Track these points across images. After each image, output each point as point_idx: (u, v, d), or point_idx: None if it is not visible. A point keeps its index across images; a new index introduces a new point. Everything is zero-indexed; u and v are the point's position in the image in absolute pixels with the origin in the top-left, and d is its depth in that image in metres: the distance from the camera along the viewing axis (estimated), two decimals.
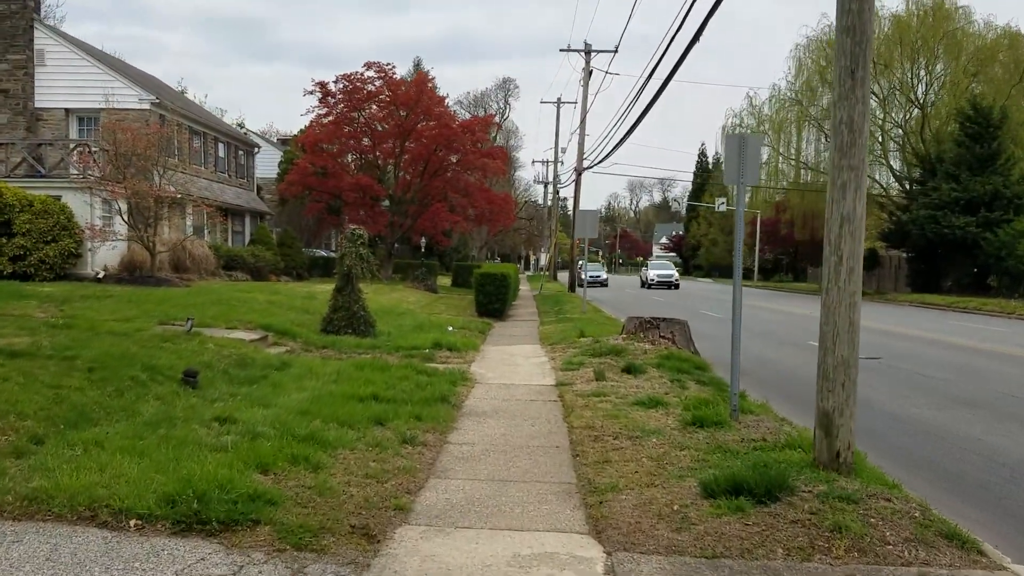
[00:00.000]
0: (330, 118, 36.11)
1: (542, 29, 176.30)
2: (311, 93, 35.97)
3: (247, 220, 37.69)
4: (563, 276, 68.55)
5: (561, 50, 41.15)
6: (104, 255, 25.10)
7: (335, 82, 35.59)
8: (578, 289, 40.41)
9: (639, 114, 35.25)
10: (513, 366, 13.48)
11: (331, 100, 35.91)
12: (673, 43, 20.93)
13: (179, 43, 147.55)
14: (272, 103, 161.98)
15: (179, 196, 26.49)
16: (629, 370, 12.34)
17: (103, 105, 27.64)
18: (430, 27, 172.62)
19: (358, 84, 35.37)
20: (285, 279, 32.63)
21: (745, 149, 8.81)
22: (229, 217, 35.41)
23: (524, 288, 46.02)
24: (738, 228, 8.95)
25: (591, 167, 38.75)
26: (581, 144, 41.16)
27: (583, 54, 42.48)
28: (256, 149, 41.28)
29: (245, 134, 43.82)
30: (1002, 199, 40.41)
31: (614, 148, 42.28)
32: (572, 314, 24.64)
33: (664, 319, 14.71)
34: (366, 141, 37.10)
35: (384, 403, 9.20)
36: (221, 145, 36.48)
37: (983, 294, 40.88)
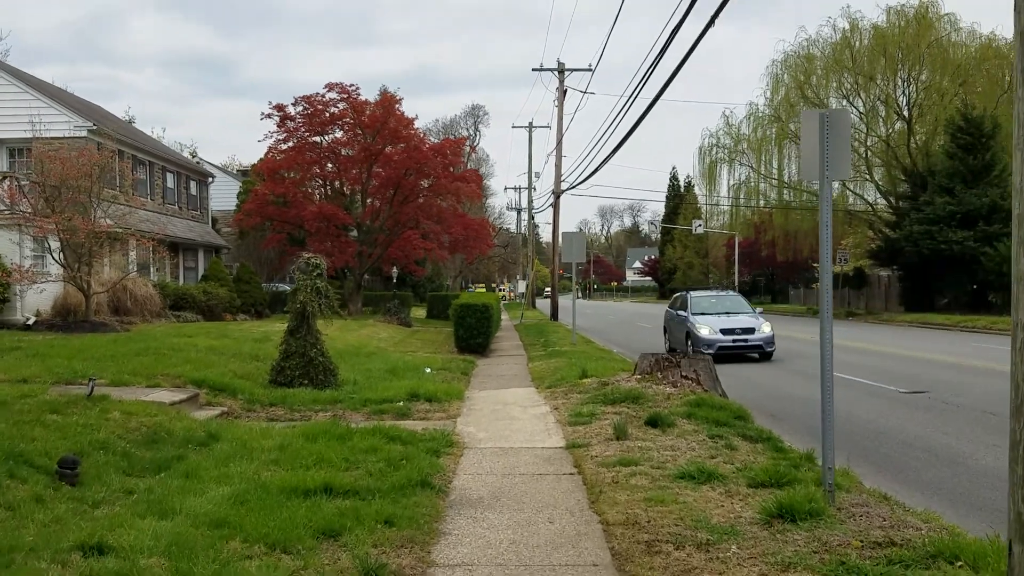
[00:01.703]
0: (290, 143, 33.48)
1: (512, 60, 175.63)
2: (268, 117, 33.38)
3: (200, 255, 34.81)
4: (541, 304, 66.06)
5: (534, 69, 39.00)
6: (35, 299, 22.26)
7: (294, 104, 33.04)
8: (560, 317, 37.90)
9: (624, 134, 33.15)
10: (508, 420, 10.86)
11: (290, 124, 33.30)
12: (651, 55, 18.70)
13: (145, 83, 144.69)
14: (238, 138, 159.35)
15: (118, 230, 23.68)
16: (655, 423, 9.81)
17: (30, 133, 24.83)
18: (398, 62, 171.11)
19: (319, 107, 32.81)
20: (242, 317, 29.77)
21: (833, 130, 6.36)
22: (180, 252, 32.55)
23: (503, 317, 43.46)
24: (823, 238, 6.45)
25: (570, 189, 36.46)
26: (558, 165, 38.89)
27: (556, 73, 40.39)
28: (210, 179, 38.49)
29: (198, 163, 41.01)
30: (1000, 211, 38.57)
31: (598, 167, 40.03)
32: (562, 346, 22.08)
33: (685, 355, 12.22)
34: (330, 167, 34.47)
35: (340, 497, 6.55)
36: (170, 175, 33.69)
37: (984, 312, 38.91)
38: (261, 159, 34.79)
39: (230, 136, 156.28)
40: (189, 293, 27.70)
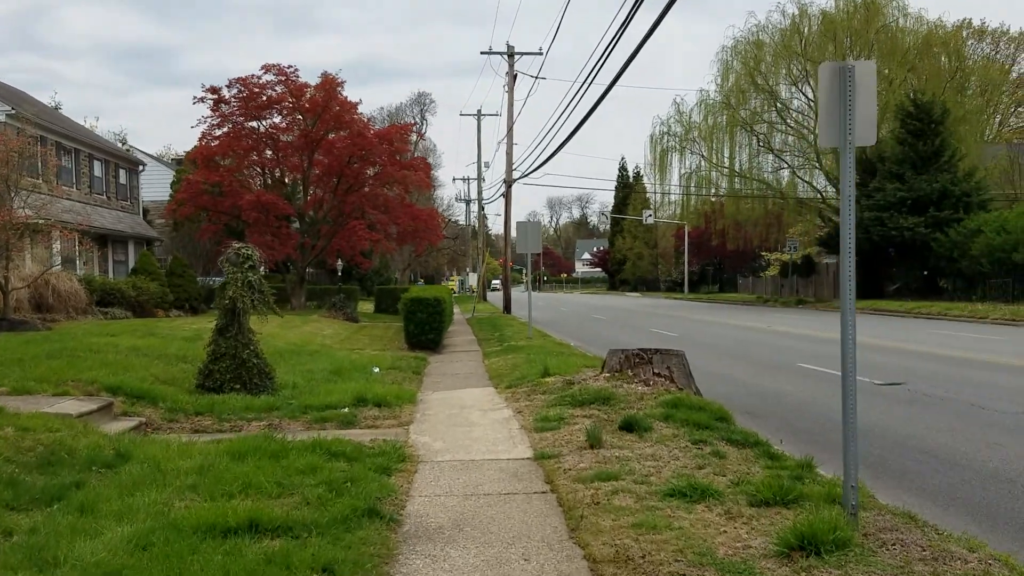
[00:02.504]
0: (225, 129, 31.70)
1: (460, 49, 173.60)
2: (201, 101, 31.54)
3: (131, 247, 32.91)
4: (492, 297, 65.02)
5: (483, 52, 37.82)
6: None
7: (228, 87, 31.26)
8: (513, 310, 36.88)
9: (578, 122, 32.20)
10: (467, 426, 9.73)
11: (225, 109, 31.51)
12: (603, 42, 17.74)
13: (80, 73, 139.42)
14: (176, 129, 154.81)
15: (39, 221, 21.89)
16: (630, 427, 8.79)
17: None
18: (341, 52, 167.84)
19: (255, 90, 31.08)
20: (176, 314, 28.08)
21: (856, 86, 5.36)
22: (109, 244, 30.65)
23: (455, 311, 42.27)
24: (845, 213, 5.46)
25: (522, 177, 35.37)
26: (509, 153, 37.78)
27: (506, 57, 39.25)
28: (141, 167, 36.50)
29: (128, 151, 38.90)
30: (951, 197, 38.66)
31: (552, 154, 39.05)
32: (518, 340, 21.01)
33: (657, 351, 11.22)
34: (269, 154, 32.78)
35: (269, 536, 5.37)
36: (97, 163, 31.72)
37: (934, 298, 39.02)
38: (195, 146, 32.94)
39: (168, 127, 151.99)
40: (118, 288, 25.95)
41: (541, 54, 44.45)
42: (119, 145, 41.52)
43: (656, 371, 10.97)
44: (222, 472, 6.91)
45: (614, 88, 23.25)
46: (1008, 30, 60.76)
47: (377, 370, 14.65)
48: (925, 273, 40.36)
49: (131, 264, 32.07)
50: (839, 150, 5.36)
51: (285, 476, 6.82)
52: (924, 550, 5.09)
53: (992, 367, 15.87)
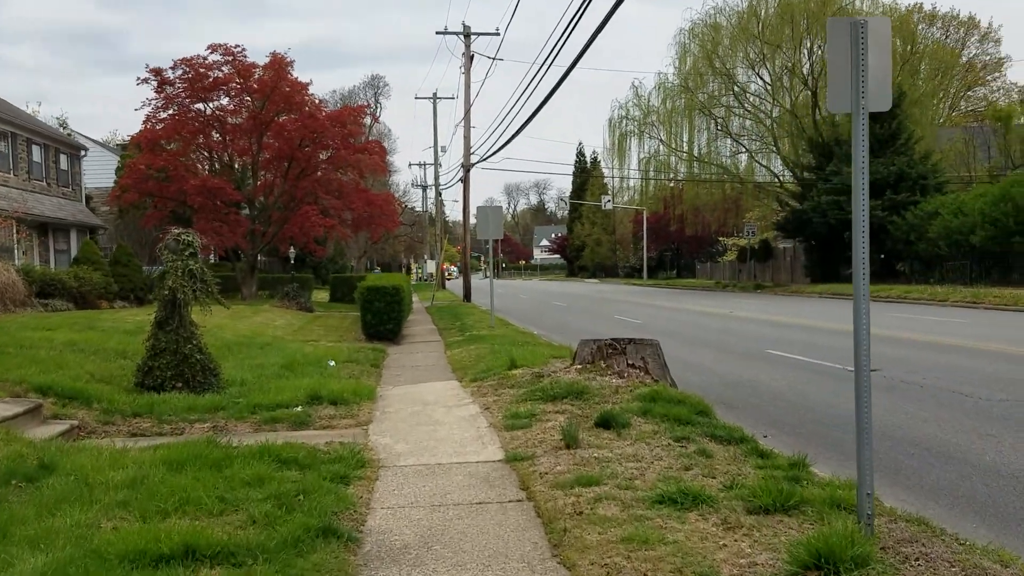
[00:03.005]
0: (170, 111, 30.35)
1: (414, 32, 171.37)
2: (145, 82, 30.14)
3: (73, 236, 31.48)
4: (450, 285, 64.25)
5: (438, 32, 36.91)
6: None
7: (173, 68, 29.90)
8: (474, 298, 36.20)
9: (537, 104, 31.56)
10: (432, 425, 9.04)
11: (170, 90, 30.15)
12: (565, 22, 17.11)
13: (25, 58, 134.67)
14: (125, 115, 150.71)
15: None
16: (607, 423, 8.19)
17: None
18: (292, 35, 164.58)
19: (201, 71, 29.78)
20: (120, 305, 26.86)
21: (869, 44, 4.76)
22: (49, 233, 29.25)
23: (414, 299, 41.43)
24: (857, 187, 4.88)
25: (480, 161, 34.61)
26: (467, 136, 36.94)
27: (462, 37, 38.33)
28: (83, 152, 34.94)
29: (69, 135, 37.25)
30: (907, 180, 38.79)
31: (512, 137, 38.40)
32: (480, 330, 20.33)
33: (631, 340, 10.63)
34: (216, 137, 31.51)
35: (208, 565, 4.65)
36: (36, 148, 30.21)
37: (891, 281, 39.16)
38: (140, 130, 31.51)
39: (118, 114, 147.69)
40: (58, 279, 24.66)
41: (498, 34, 43.73)
42: (60, 129, 39.75)
43: (630, 362, 10.38)
44: (157, 485, 6.14)
45: (572, 72, 22.65)
46: (958, 14, 61.38)
47: (333, 363, 13.87)
48: (882, 256, 40.47)
49: (74, 253, 30.67)
50: (851, 115, 4.76)
51: (228, 489, 6.07)
52: (952, 566, 4.55)
53: (963, 351, 15.61)
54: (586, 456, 7.20)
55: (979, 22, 57.89)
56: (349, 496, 6.17)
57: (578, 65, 18.47)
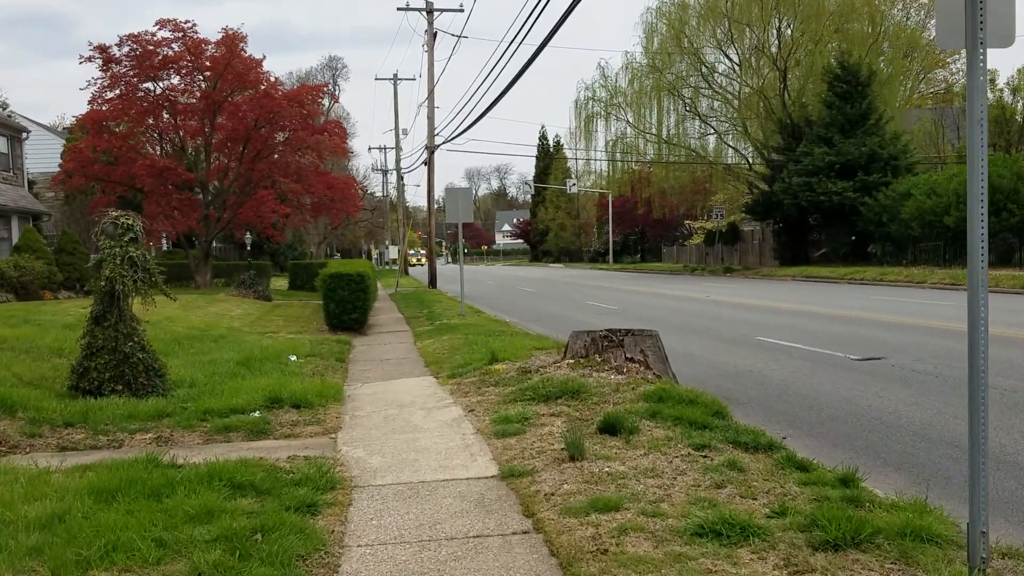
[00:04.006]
0: (117, 91, 28.57)
1: (371, 16, 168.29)
2: (89, 60, 28.33)
3: (14, 223, 29.65)
4: (414, 271, 62.89)
5: (399, 8, 35.54)
6: None
7: (119, 46, 28.11)
8: (439, 284, 35.01)
9: (505, 85, 30.32)
10: (410, 432, 7.91)
11: (116, 69, 28.36)
12: (531, 8, 16.06)
13: None
14: (75, 101, 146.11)
15: None
16: (612, 429, 7.16)
17: None
18: (246, 18, 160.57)
19: (149, 48, 28.04)
20: (66, 295, 25.22)
21: None
22: None
23: (377, 287, 40.11)
24: (974, 147, 3.83)
25: (445, 143, 33.33)
26: (431, 117, 35.64)
27: (424, 14, 36.97)
28: (24, 135, 32.96)
29: (10, 116, 35.19)
30: (879, 161, 38.34)
31: (479, 117, 37.24)
32: (450, 318, 19.22)
33: (629, 331, 9.59)
34: (166, 118, 29.79)
35: None
36: None
37: (862, 263, 38.79)
38: (86, 112, 29.68)
39: (67, 99, 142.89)
40: None
41: (463, 11, 42.44)
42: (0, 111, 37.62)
43: (628, 355, 9.35)
44: (81, 524, 4.98)
45: (539, 54, 21.61)
46: None
47: (294, 358, 12.67)
48: (853, 238, 40.10)
49: (15, 242, 28.85)
50: (967, 54, 3.73)
51: (169, 527, 4.92)
52: None
53: (963, 336, 14.80)
54: (596, 471, 6.15)
55: None
56: (318, 532, 5.04)
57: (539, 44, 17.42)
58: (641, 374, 9.04)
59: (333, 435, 7.82)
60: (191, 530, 4.87)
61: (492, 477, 6.35)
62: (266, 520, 5.03)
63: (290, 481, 5.99)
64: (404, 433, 7.84)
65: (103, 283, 8.88)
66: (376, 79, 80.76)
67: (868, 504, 5.27)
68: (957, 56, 61.64)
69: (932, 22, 62.16)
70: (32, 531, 4.91)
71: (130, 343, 9.00)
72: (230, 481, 5.75)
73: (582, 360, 9.51)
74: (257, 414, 8.36)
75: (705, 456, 6.47)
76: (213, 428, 7.93)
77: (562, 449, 6.71)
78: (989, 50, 3.73)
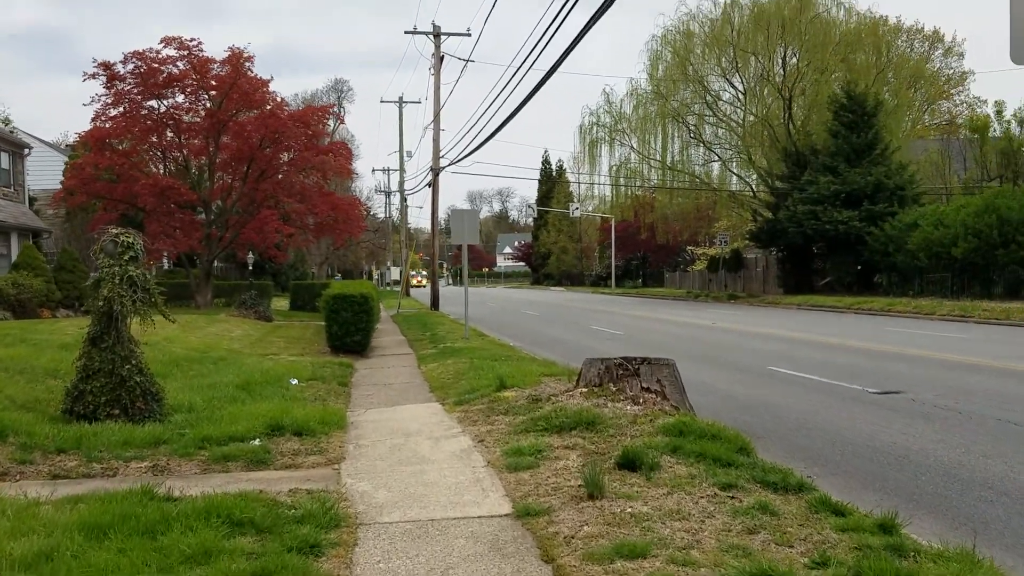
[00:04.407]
0: (120, 108, 28.41)
1: (380, 38, 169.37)
2: (93, 77, 28.18)
3: (14, 240, 29.40)
4: (415, 293, 62.60)
5: (407, 32, 35.42)
6: None
7: (124, 63, 27.99)
8: (442, 306, 34.69)
9: (512, 110, 30.25)
10: (417, 464, 7.56)
11: (120, 86, 28.22)
12: (540, 33, 15.90)
13: None
14: (79, 118, 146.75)
15: None
16: (632, 464, 6.81)
17: None
18: (252, 39, 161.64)
19: (154, 65, 27.92)
20: (64, 313, 24.94)
21: None
22: None
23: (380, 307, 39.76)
24: None
25: (450, 165, 33.17)
26: (436, 139, 35.49)
27: (432, 37, 36.94)
28: (26, 151, 32.80)
29: (12, 132, 35.05)
30: (885, 190, 38.14)
31: (487, 139, 37.18)
32: (454, 342, 18.87)
33: (645, 360, 9.27)
34: (170, 136, 29.61)
35: None
36: None
37: (868, 293, 38.48)
38: (89, 129, 29.50)
39: (71, 116, 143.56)
40: None
41: (470, 35, 42.47)
42: (1, 126, 37.48)
43: (644, 385, 9.02)
44: (69, 563, 4.64)
45: (548, 79, 21.47)
46: (922, 28, 61.42)
47: (295, 382, 12.33)
48: (859, 268, 39.78)
49: (14, 259, 28.59)
50: None
51: (164, 567, 4.58)
52: None
53: (980, 371, 14.51)
54: (617, 511, 5.80)
55: (943, 36, 57.93)
56: None
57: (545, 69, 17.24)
58: (658, 405, 8.70)
59: (336, 466, 7.47)
60: (187, 572, 4.53)
61: (506, 516, 5.99)
62: (267, 563, 4.68)
63: (292, 518, 5.63)
64: (411, 464, 7.49)
65: (101, 303, 8.56)
66: (382, 101, 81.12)
67: (913, 554, 4.92)
68: (961, 87, 61.96)
69: (936, 53, 62.55)
70: (17, 570, 4.57)
71: (127, 366, 8.66)
72: (229, 517, 5.41)
73: (596, 389, 9.17)
74: (257, 442, 8.01)
75: (732, 497, 6.12)
76: (211, 457, 7.58)
77: (579, 486, 6.36)
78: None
